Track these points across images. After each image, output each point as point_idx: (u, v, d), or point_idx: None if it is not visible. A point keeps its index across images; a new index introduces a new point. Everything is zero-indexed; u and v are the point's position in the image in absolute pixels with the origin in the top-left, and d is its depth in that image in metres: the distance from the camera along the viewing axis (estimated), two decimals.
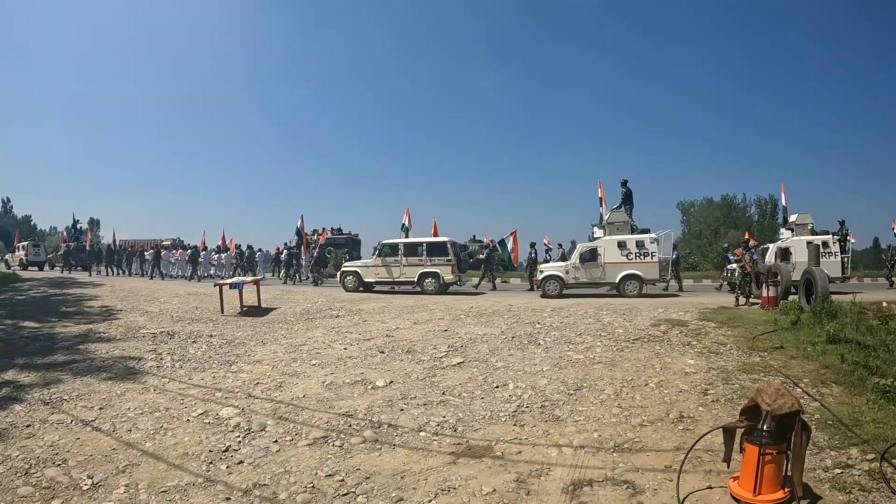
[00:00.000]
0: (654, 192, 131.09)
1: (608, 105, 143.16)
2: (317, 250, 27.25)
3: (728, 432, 4.89)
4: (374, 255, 21.95)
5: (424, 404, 7.23)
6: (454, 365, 9.07)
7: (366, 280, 21.05)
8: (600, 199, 22.48)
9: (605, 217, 21.03)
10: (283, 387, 8.04)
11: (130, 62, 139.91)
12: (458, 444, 5.98)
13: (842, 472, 5.05)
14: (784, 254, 20.90)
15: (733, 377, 8.15)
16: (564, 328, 11.55)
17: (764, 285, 15.57)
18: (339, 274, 22.45)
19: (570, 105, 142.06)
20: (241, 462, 5.55)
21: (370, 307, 14.93)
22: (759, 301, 15.85)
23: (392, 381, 8.21)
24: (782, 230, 24.02)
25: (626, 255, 19.80)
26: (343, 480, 5.08)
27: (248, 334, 11.72)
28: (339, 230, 33.80)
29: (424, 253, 20.81)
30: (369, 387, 8.00)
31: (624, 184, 21.60)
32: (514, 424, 6.58)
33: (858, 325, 11.41)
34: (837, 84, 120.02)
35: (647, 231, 20.47)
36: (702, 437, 5.63)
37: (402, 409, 7.04)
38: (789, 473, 4.56)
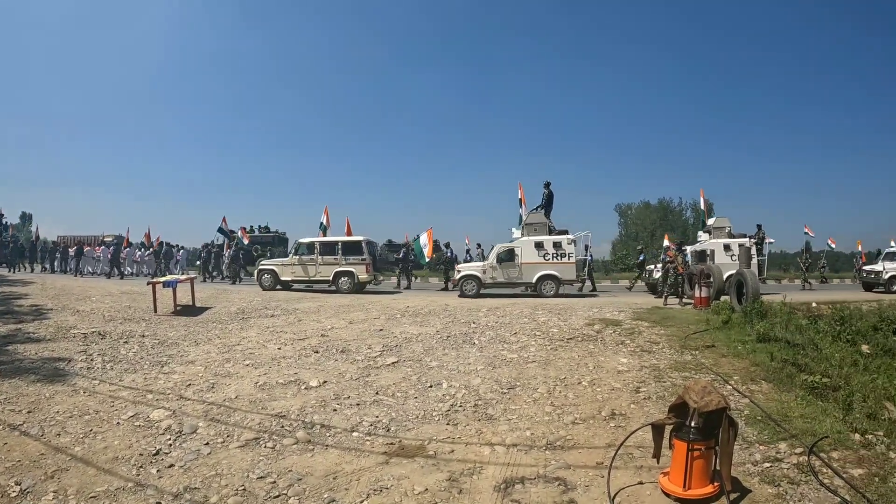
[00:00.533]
0: (593, 195, 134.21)
1: (551, 107, 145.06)
2: (233, 249, 27.13)
3: (657, 429, 5.04)
4: (290, 253, 21.92)
5: (358, 404, 7.23)
6: (388, 365, 9.10)
7: (282, 278, 21.16)
8: (520, 200, 22.84)
9: (524, 218, 21.32)
10: (215, 388, 7.93)
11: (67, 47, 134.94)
12: (391, 443, 6.00)
13: (771, 466, 5.25)
14: (701, 256, 21.67)
15: (665, 375, 8.40)
16: (500, 328, 11.74)
17: (696, 286, 16.07)
18: (255, 272, 22.44)
19: (513, 106, 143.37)
20: (171, 465, 5.45)
21: (306, 306, 14.86)
22: (692, 301, 16.36)
23: (326, 382, 8.18)
24: (700, 233, 24.81)
25: (544, 256, 20.20)
26: (275, 482, 5.04)
27: (181, 334, 11.51)
28: (266, 228, 33.43)
29: (340, 252, 20.91)
30: (303, 387, 7.95)
31: (546, 185, 21.94)
32: (448, 423, 6.62)
33: (788, 325, 11.90)
34: (767, 89, 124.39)
35: (565, 232, 20.84)
36: (631, 434, 5.79)
37: (335, 410, 7.02)
38: (718, 468, 4.70)
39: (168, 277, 17.79)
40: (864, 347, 13.34)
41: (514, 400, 7.46)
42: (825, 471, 5.11)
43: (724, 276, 20.30)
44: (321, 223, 24.93)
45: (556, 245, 20.24)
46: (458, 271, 21.08)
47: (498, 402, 7.35)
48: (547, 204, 21.81)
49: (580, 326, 11.95)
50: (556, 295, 19.72)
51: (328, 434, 6.26)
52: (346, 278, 20.57)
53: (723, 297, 16.20)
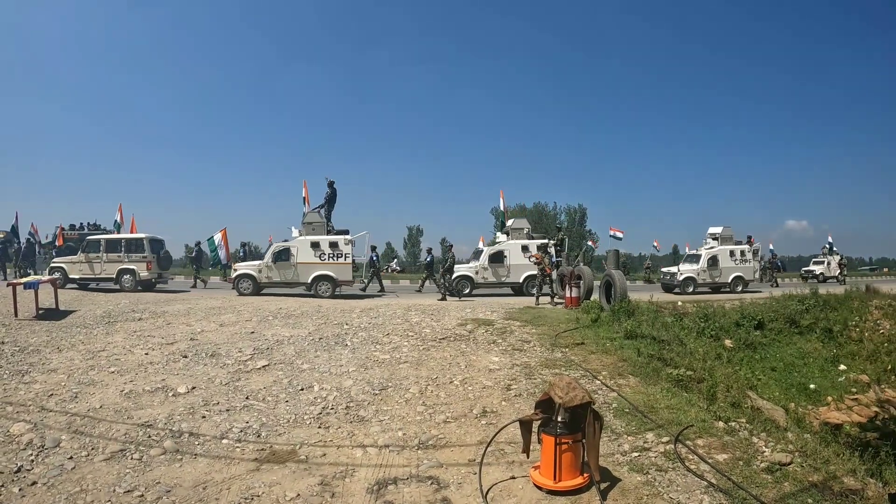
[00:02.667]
0: (473, 198, 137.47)
1: (433, 107, 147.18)
2: (24, 246, 26.42)
3: (525, 425, 5.28)
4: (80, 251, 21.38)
5: (227, 410, 7.18)
6: (259, 368, 9.04)
7: (70, 276, 20.57)
8: (304, 198, 22.78)
9: (304, 217, 21.23)
10: (79, 397, 7.64)
11: None
12: (262, 449, 6.03)
13: (639, 455, 5.65)
14: (496, 257, 22.77)
15: (536, 372, 8.74)
16: (372, 329, 11.84)
17: (567, 286, 16.73)
18: (47, 269, 21.78)
19: (391, 106, 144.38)
20: (34, 483, 5.26)
21: (175, 309, 14.37)
22: (563, 301, 17.05)
23: (194, 387, 8.04)
24: (498, 234, 25.67)
25: (320, 256, 20.18)
26: (142, 496, 4.98)
27: (43, 340, 10.89)
28: (97, 226, 32.05)
29: (123, 250, 20.59)
30: (170, 394, 7.79)
31: (330, 185, 21.98)
32: (319, 427, 6.71)
33: (654, 322, 12.68)
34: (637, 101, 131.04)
35: (344, 232, 20.95)
36: (500, 431, 6.08)
37: (204, 417, 6.94)
38: (587, 460, 4.95)
39: (30, 278, 16.73)
40: (727, 342, 14.49)
41: (386, 401, 7.61)
42: (691, 457, 5.58)
43: (522, 278, 22.23)
44: (115, 220, 25.28)
45: (333, 245, 20.24)
46: (235, 269, 20.89)
47: (370, 404, 7.47)
48: (329, 203, 21.83)
49: (453, 326, 12.20)
50: (333, 296, 19.83)
51: (197, 442, 6.19)
52: (128, 276, 20.33)
53: (592, 297, 16.99)
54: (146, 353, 9.90)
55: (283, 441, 6.28)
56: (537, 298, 18.06)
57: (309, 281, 19.96)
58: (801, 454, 5.75)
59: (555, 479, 4.88)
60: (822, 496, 4.82)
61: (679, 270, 26.32)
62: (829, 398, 13.55)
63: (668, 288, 26.54)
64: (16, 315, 13.17)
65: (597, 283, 17.44)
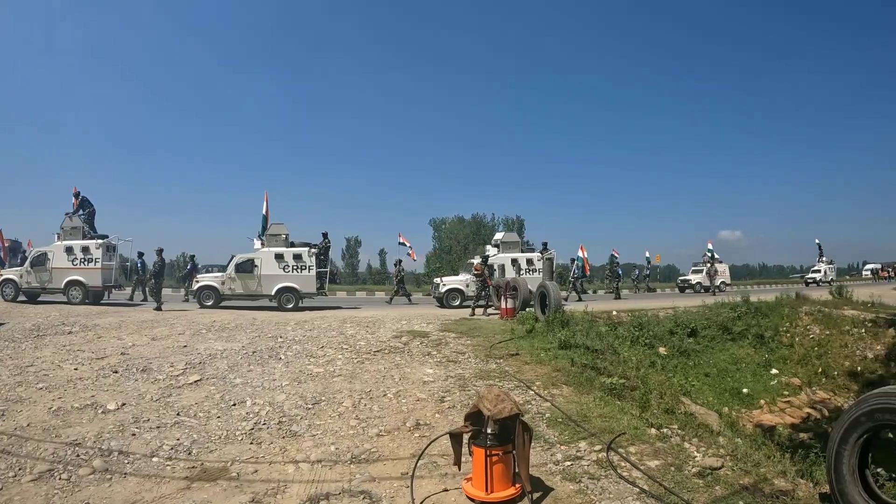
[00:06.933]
0: (410, 208, 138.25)
1: (374, 117, 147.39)
2: None
3: (455, 437, 5.34)
4: None
5: (158, 427, 7.10)
6: (191, 383, 8.95)
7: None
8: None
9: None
10: (5, 415, 7.47)
11: None
12: (193, 467, 5.98)
13: (572, 464, 5.80)
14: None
15: (470, 384, 8.86)
16: (307, 341, 11.85)
17: (502, 297, 16.97)
18: None
19: (338, 114, 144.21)
20: None
21: (106, 322, 14.10)
22: (499, 312, 17.27)
23: (125, 404, 7.93)
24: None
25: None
26: None
27: None
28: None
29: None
30: (100, 411, 7.66)
31: (77, 195, 21.86)
32: (251, 443, 6.68)
33: (589, 332, 12.98)
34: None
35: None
36: (431, 443, 6.11)
37: (134, 434, 6.86)
38: (518, 471, 5.05)
39: None
40: (662, 350, 14.95)
41: (319, 415, 7.63)
42: (624, 464, 5.78)
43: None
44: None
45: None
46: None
47: (303, 418, 7.48)
48: (82, 207, 21.82)
49: (388, 339, 12.29)
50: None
51: (127, 461, 6.12)
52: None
53: (528, 308, 17.22)
54: (76, 369, 9.72)
55: (214, 458, 6.23)
56: (473, 309, 18.28)
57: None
58: (732, 458, 6.03)
59: (487, 490, 4.94)
60: (753, 498, 5.04)
61: (442, 282, 23.96)
62: (763, 401, 14.19)
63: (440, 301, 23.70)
64: None
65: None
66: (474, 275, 20.03)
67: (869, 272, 64.85)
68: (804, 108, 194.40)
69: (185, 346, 11.35)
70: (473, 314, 17.80)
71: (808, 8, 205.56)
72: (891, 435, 6.71)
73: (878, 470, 6.78)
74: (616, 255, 38.52)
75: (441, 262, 58.27)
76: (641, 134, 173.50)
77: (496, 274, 22.27)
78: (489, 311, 18.57)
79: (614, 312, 18.23)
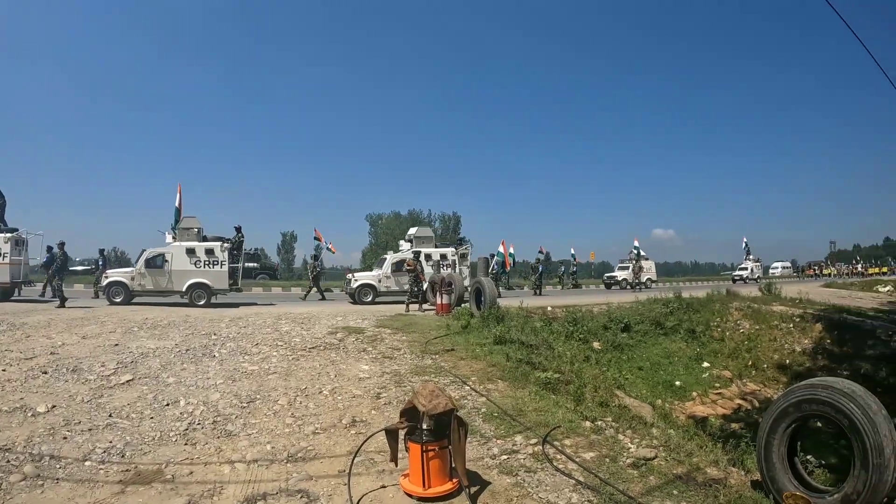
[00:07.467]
0: (346, 203, 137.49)
1: (316, 111, 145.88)
2: None
3: (391, 434, 5.42)
4: None
5: (90, 429, 6.94)
6: (123, 383, 8.74)
7: None
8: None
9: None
10: None
11: None
12: (127, 470, 5.89)
13: (508, 458, 5.97)
14: (154, 262, 20.10)
15: (406, 380, 8.96)
16: (241, 339, 11.73)
17: (438, 293, 17.09)
18: None
19: (275, 107, 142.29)
20: None
21: (35, 320, 13.59)
22: (434, 307, 17.39)
23: (55, 406, 7.67)
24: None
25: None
26: None
27: None
28: None
29: None
30: (29, 414, 7.40)
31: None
32: (186, 444, 6.61)
33: (524, 328, 13.20)
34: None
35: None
36: (368, 440, 6.23)
37: (65, 438, 6.68)
38: (455, 465, 5.16)
39: None
40: (596, 344, 15.33)
41: (255, 413, 7.59)
42: (559, 457, 5.98)
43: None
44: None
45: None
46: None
47: (238, 417, 7.44)
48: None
49: (323, 335, 12.26)
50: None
51: (59, 465, 5.98)
52: None
53: (463, 304, 17.38)
54: (3, 370, 9.29)
55: (148, 460, 6.15)
56: (408, 305, 18.38)
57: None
58: (665, 448, 6.30)
59: (424, 486, 5.04)
60: (686, 487, 5.30)
61: (354, 277, 24.04)
62: (695, 393, 14.73)
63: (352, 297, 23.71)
64: None
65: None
66: (407, 270, 20.10)
67: (778, 270, 67.36)
68: (742, 111, 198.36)
69: (117, 345, 11.03)
70: (408, 310, 17.90)
71: None
72: (819, 424, 7.09)
73: (808, 457, 7.23)
74: (542, 251, 39.41)
75: (377, 257, 58.23)
76: (587, 130, 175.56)
77: (431, 269, 22.52)
78: (424, 306, 18.69)
79: (549, 308, 18.56)
